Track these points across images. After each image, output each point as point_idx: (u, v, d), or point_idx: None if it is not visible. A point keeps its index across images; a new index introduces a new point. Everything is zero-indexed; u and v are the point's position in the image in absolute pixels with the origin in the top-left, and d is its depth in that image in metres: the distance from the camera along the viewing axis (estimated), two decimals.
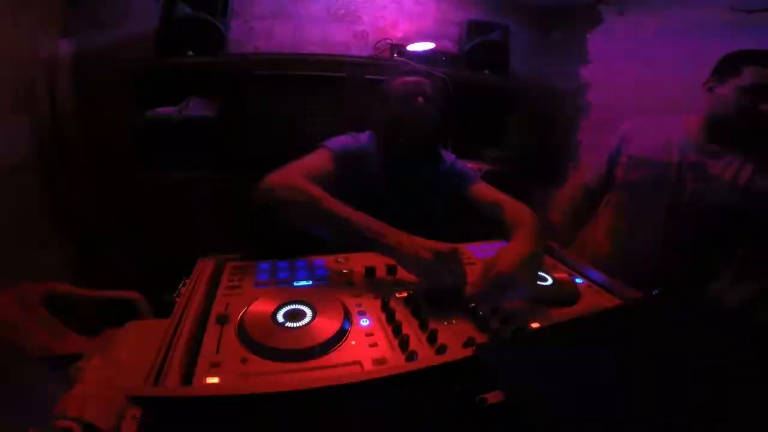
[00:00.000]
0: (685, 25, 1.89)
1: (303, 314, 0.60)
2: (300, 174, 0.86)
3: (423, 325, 0.60)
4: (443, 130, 1.07)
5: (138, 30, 1.80)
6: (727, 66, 1.02)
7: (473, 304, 0.65)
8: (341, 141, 1.02)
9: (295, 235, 0.83)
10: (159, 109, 1.77)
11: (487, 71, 2.23)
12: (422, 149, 1.06)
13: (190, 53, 1.72)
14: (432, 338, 0.57)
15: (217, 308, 0.63)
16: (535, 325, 0.63)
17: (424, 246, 0.70)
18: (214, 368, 0.50)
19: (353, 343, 0.56)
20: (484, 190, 1.06)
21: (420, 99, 1.01)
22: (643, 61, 2.10)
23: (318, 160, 0.96)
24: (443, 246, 0.70)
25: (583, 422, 0.39)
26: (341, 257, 0.84)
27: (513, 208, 0.93)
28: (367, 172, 1.03)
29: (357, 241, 0.76)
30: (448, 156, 1.14)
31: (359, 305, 0.66)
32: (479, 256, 0.89)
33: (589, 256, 1.22)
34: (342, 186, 0.95)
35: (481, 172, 1.92)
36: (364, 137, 1.08)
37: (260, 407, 0.40)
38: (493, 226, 0.94)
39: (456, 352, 0.53)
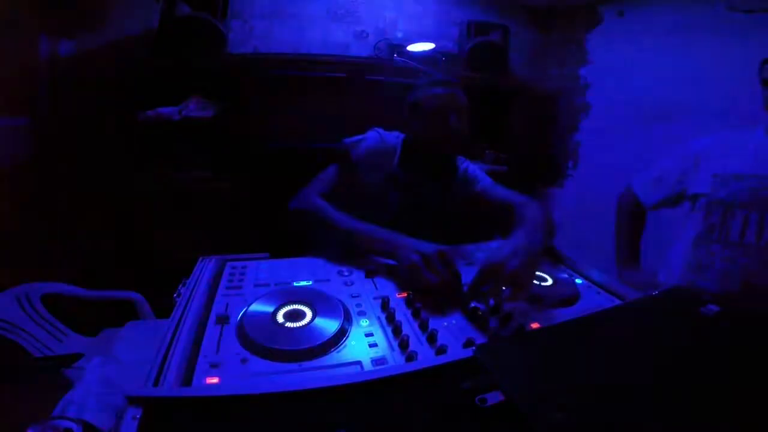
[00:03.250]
0: (685, 25, 1.89)
1: (303, 314, 0.60)
2: (315, 193, 0.96)
3: (423, 325, 0.60)
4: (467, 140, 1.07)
5: (138, 30, 1.80)
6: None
7: (471, 300, 0.66)
8: (366, 142, 1.03)
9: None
10: (159, 109, 1.77)
11: (487, 71, 2.23)
12: (448, 162, 1.10)
13: (190, 53, 1.72)
14: (432, 338, 0.57)
15: (217, 308, 0.63)
16: (535, 325, 0.63)
17: (415, 247, 0.72)
18: (214, 368, 0.50)
19: (353, 343, 0.56)
20: (495, 191, 1.07)
21: (453, 116, 0.99)
22: (643, 61, 2.10)
23: (333, 175, 1.02)
24: (430, 247, 0.72)
25: (583, 422, 0.39)
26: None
27: (521, 206, 0.93)
28: (390, 170, 1.04)
29: (366, 249, 0.84)
30: (461, 161, 1.15)
31: (359, 305, 0.66)
32: (480, 256, 0.89)
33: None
34: (364, 184, 1.01)
35: None
36: (391, 137, 1.08)
37: (260, 407, 0.40)
38: (504, 227, 0.94)
39: (456, 352, 0.53)
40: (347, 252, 0.85)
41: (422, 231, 0.81)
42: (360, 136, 1.04)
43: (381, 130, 1.07)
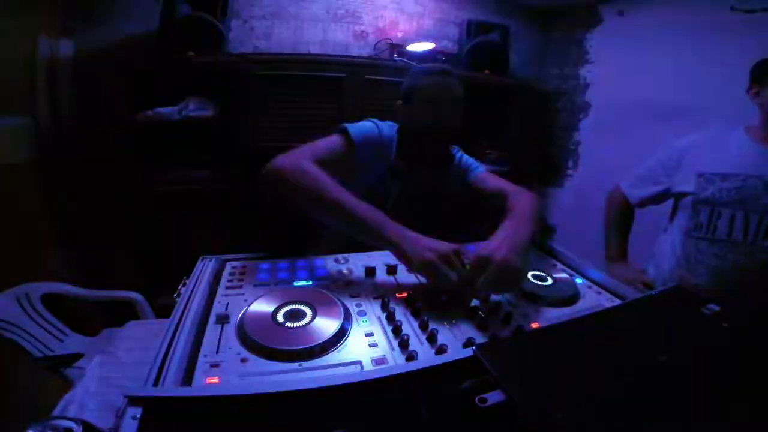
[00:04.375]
0: (685, 25, 1.89)
1: (303, 314, 0.60)
2: (309, 157, 0.83)
3: (423, 325, 0.60)
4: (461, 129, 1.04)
5: (138, 30, 1.80)
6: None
7: (470, 299, 0.66)
8: (363, 128, 0.98)
9: (302, 231, 0.84)
10: (159, 109, 1.77)
11: (487, 71, 2.23)
12: (442, 151, 1.08)
13: (190, 53, 1.72)
14: (432, 338, 0.57)
15: (217, 308, 0.63)
16: (535, 325, 0.63)
17: (427, 245, 0.70)
18: (214, 368, 0.50)
19: (353, 343, 0.56)
20: (487, 180, 1.07)
21: (446, 104, 0.98)
22: (643, 61, 2.10)
23: (332, 144, 0.94)
24: (446, 246, 0.70)
25: (583, 422, 0.39)
26: (341, 257, 0.84)
27: (513, 195, 0.92)
28: (386, 163, 1.01)
29: (360, 232, 0.74)
30: (456, 151, 1.14)
31: (359, 305, 0.66)
32: None
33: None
34: (360, 174, 0.95)
35: None
36: (386, 128, 1.04)
37: (260, 407, 0.40)
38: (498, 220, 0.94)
39: (456, 352, 0.53)
40: (335, 230, 0.78)
41: (418, 221, 0.79)
42: (357, 123, 1.01)
43: (377, 121, 1.04)
